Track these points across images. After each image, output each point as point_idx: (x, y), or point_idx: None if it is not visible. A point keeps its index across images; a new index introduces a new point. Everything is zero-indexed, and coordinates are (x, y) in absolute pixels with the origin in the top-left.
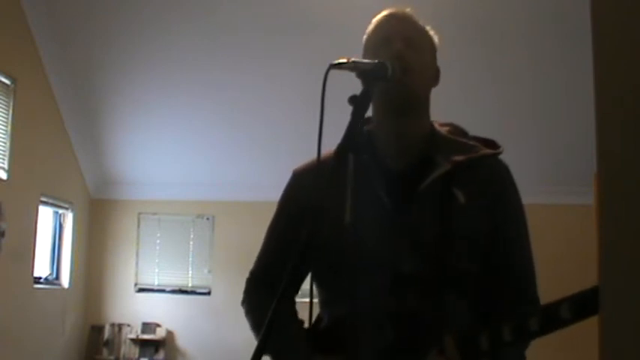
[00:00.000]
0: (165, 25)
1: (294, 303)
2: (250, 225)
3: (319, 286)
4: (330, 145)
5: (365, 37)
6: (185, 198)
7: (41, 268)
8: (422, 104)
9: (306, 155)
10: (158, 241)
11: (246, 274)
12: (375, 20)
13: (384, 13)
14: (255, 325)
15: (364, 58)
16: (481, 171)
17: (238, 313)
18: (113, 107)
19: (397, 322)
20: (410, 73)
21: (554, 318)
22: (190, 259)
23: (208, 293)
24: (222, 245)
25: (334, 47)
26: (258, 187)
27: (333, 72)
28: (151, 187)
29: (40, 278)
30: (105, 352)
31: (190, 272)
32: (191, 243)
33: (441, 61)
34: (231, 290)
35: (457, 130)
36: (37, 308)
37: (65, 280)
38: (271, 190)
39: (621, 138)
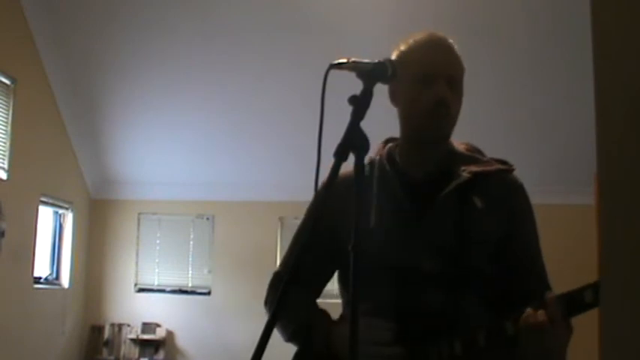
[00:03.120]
0: (165, 26)
1: (311, 298)
2: (250, 225)
3: (345, 287)
4: (330, 145)
5: (401, 51)
6: (185, 198)
7: (41, 268)
8: (450, 135)
9: (305, 155)
10: (158, 241)
11: (246, 274)
12: (417, 45)
13: (429, 40)
14: (279, 325)
15: (404, 73)
16: (498, 185)
17: (238, 313)
18: (113, 107)
19: (417, 317)
20: (449, 118)
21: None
22: (190, 259)
23: (208, 293)
24: (222, 245)
25: (334, 47)
26: (258, 187)
27: (334, 72)
28: (151, 187)
29: (40, 278)
30: (105, 352)
31: (190, 272)
32: (191, 243)
33: None
34: (231, 290)
35: (473, 149)
36: (37, 308)
37: (65, 280)
38: (271, 190)
39: (621, 138)
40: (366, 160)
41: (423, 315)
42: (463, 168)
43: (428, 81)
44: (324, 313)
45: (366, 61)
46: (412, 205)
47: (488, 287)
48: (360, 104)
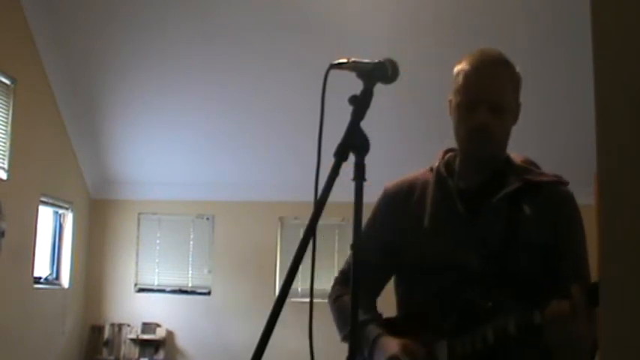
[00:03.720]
0: (165, 26)
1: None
2: (250, 225)
3: (399, 285)
4: (330, 145)
5: (455, 72)
6: (185, 198)
7: (41, 268)
8: (501, 152)
9: (305, 155)
10: (158, 241)
11: (246, 274)
12: (468, 62)
13: (477, 64)
14: (334, 314)
15: (455, 93)
16: (548, 195)
17: (238, 313)
18: (113, 107)
19: (461, 313)
20: (492, 142)
21: None
22: (190, 259)
23: (208, 293)
24: (222, 245)
25: (334, 47)
26: (258, 187)
27: (334, 72)
28: (151, 187)
29: (40, 278)
30: (105, 352)
31: (190, 272)
32: (191, 243)
33: (440, 61)
34: (231, 290)
35: (529, 161)
36: (37, 308)
37: (65, 280)
38: (271, 190)
39: (621, 138)
40: (427, 167)
41: (466, 311)
42: (515, 177)
43: (469, 107)
44: (377, 319)
45: (366, 61)
46: (465, 208)
47: (531, 290)
48: (360, 104)
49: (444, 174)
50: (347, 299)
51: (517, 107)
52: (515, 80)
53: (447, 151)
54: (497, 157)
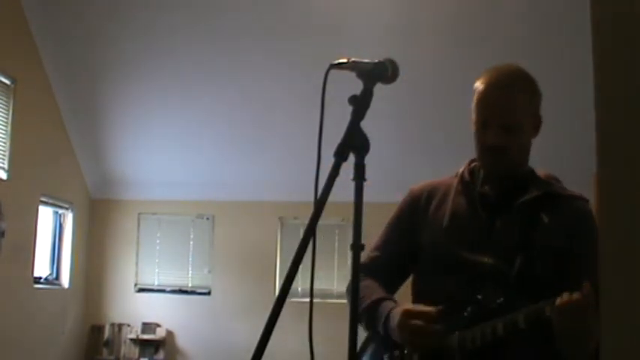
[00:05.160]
0: (165, 26)
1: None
2: (250, 225)
3: (416, 282)
4: (330, 145)
5: (473, 88)
6: (185, 198)
7: (41, 268)
8: (521, 165)
9: (305, 155)
10: (158, 241)
11: (246, 274)
12: (483, 81)
13: (493, 83)
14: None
15: (472, 109)
16: (567, 208)
17: (238, 313)
18: (113, 107)
19: (473, 308)
20: (507, 159)
21: None
22: (190, 259)
23: (208, 293)
24: (222, 245)
25: (334, 47)
26: (258, 187)
27: (334, 72)
28: (151, 187)
29: (40, 278)
30: (105, 352)
31: (190, 272)
32: (191, 243)
33: (440, 61)
34: (231, 290)
35: (551, 176)
36: (37, 308)
37: (65, 280)
38: (271, 190)
39: (621, 138)
40: (454, 173)
41: (478, 307)
42: (536, 187)
43: (485, 125)
44: (390, 299)
45: (366, 61)
46: (486, 213)
47: (545, 295)
48: (360, 104)
49: (468, 179)
50: (365, 284)
51: (536, 121)
52: (532, 95)
53: (472, 161)
54: (515, 169)
